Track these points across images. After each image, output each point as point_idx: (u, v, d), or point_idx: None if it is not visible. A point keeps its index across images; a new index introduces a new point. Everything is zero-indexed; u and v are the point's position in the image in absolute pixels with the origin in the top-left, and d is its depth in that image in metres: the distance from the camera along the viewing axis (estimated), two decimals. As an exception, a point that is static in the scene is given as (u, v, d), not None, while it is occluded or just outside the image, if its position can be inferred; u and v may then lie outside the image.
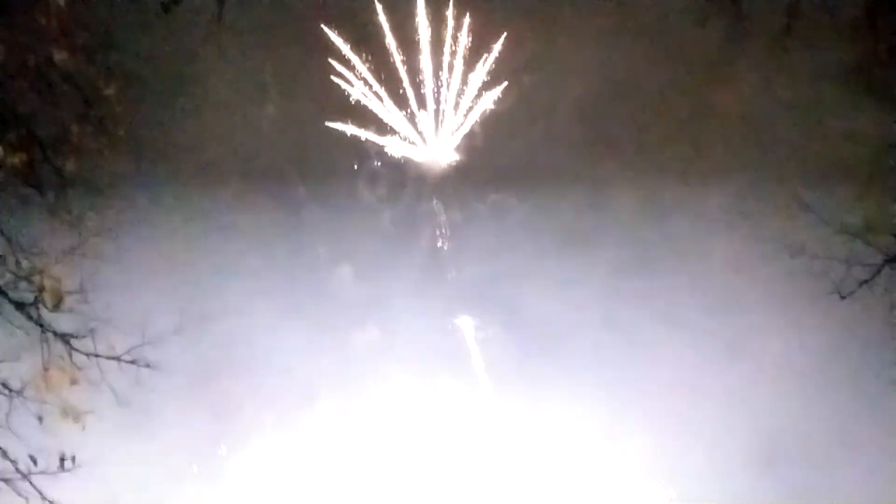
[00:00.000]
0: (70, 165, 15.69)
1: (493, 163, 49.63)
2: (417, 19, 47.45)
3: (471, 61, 48.30)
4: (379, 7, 47.01)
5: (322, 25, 46.62)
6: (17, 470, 15.58)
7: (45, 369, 15.64)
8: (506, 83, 48.30)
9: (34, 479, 15.60)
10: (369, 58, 47.42)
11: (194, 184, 44.89)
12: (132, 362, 16.09)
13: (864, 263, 17.82)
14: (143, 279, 37.48)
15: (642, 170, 47.59)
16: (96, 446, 16.10)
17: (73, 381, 15.77)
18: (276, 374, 47.17)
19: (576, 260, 48.12)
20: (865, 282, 17.87)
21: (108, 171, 16.42)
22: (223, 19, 17.44)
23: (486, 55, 48.00)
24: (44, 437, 15.62)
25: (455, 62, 48.36)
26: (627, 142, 48.31)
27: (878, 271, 17.79)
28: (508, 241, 49.36)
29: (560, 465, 47.98)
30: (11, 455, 15.65)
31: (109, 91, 15.67)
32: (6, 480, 15.68)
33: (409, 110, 48.68)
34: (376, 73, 47.83)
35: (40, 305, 15.40)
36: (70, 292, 15.46)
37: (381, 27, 47.17)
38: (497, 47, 47.80)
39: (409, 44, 47.59)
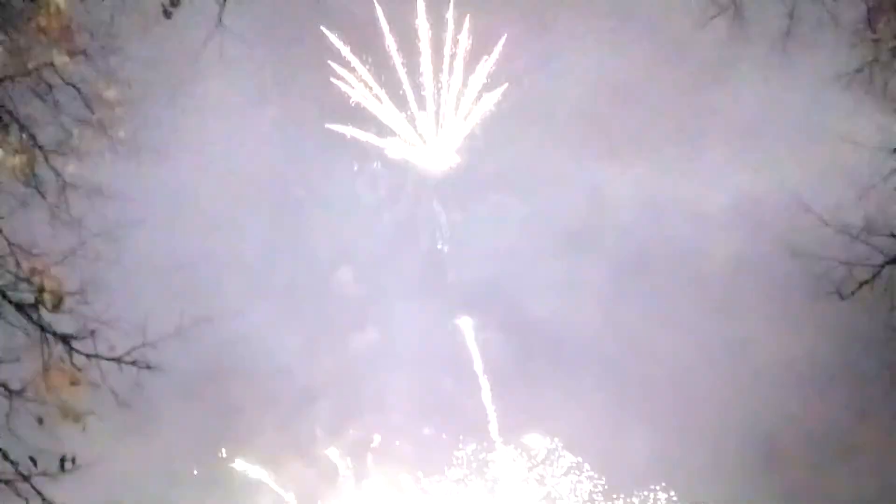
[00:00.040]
0: (70, 167, 15.69)
1: (493, 164, 49.80)
2: (417, 21, 47.66)
3: (471, 63, 48.53)
4: (379, 9, 47.22)
5: (322, 28, 46.78)
6: (18, 471, 15.56)
7: (46, 370, 15.63)
8: (506, 85, 48.52)
9: (34, 480, 15.59)
10: (369, 60, 47.62)
11: (195, 185, 45.01)
12: (133, 363, 16.07)
13: (865, 264, 17.83)
14: (144, 280, 37.63)
15: (642, 171, 47.71)
16: (97, 448, 16.11)
17: (74, 383, 15.75)
18: (277, 375, 47.30)
19: (576, 261, 48.25)
20: (866, 283, 17.87)
21: (108, 173, 16.42)
22: (223, 22, 17.42)
23: (486, 57, 48.19)
24: (44, 439, 15.61)
25: (455, 64, 48.56)
26: (627, 144, 48.46)
27: (879, 272, 17.79)
28: (508, 242, 49.51)
29: (560, 466, 47.96)
30: (11, 456, 15.64)
31: (110, 93, 15.67)
32: (6, 482, 15.66)
33: (409, 112, 48.89)
34: (376, 75, 48.03)
35: (40, 306, 15.37)
36: (70, 293, 15.45)
37: (381, 29, 47.36)
38: (497, 49, 47.98)
39: (409, 46, 47.78)
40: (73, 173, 15.68)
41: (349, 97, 47.53)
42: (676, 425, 45.22)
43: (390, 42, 47.19)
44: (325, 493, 47.82)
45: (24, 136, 15.34)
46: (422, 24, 47.43)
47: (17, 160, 15.21)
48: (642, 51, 45.72)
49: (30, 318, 15.50)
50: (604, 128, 48.03)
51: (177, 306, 16.88)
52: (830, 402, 41.84)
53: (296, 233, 48.99)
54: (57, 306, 15.33)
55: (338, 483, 47.86)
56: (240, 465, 46.60)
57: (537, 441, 47.95)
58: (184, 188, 43.96)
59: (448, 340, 48.49)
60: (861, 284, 17.91)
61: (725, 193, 45.73)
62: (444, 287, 49.59)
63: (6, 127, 15.30)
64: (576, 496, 47.79)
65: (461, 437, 47.88)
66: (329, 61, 46.86)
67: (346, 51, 47.11)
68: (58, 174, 15.61)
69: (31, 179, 15.47)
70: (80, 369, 15.82)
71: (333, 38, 46.86)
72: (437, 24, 47.36)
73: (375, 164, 49.17)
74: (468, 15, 46.99)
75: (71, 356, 15.81)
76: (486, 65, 47.79)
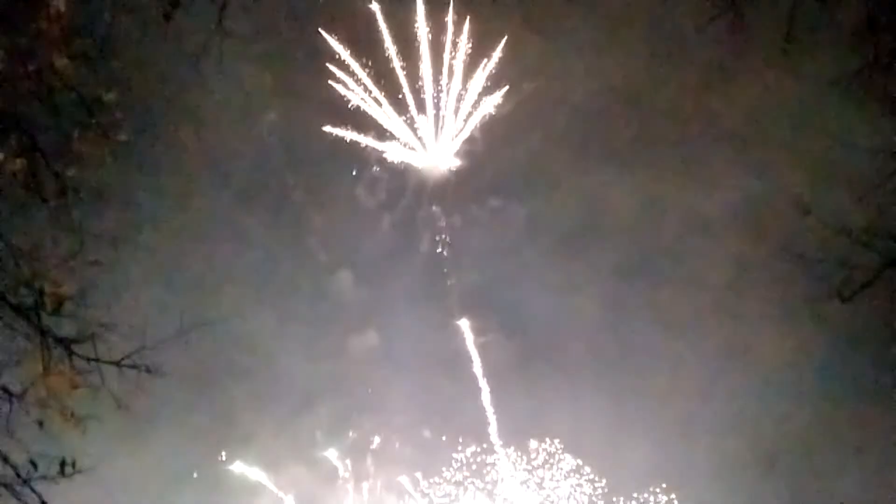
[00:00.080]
0: (71, 171, 15.68)
1: (492, 168, 49.85)
2: (417, 24, 47.67)
3: (470, 67, 48.54)
4: (378, 13, 47.21)
5: (322, 31, 46.77)
6: (18, 475, 15.56)
7: (46, 374, 15.62)
8: (505, 88, 48.51)
9: (34, 484, 15.58)
10: (369, 63, 47.63)
11: (195, 190, 45.07)
12: (133, 367, 16.06)
13: (865, 266, 17.82)
14: (144, 284, 37.64)
15: (642, 174, 47.74)
16: (97, 451, 16.10)
17: (74, 386, 15.74)
18: (277, 378, 47.31)
19: (576, 264, 48.29)
20: (866, 285, 17.85)
21: (108, 177, 16.42)
22: (224, 25, 17.41)
23: (485, 60, 48.21)
24: (44, 442, 15.61)
25: (455, 67, 48.56)
26: (627, 147, 48.48)
27: (879, 274, 17.77)
28: (508, 245, 49.57)
29: (560, 469, 47.92)
30: (12, 460, 15.64)
31: (110, 97, 15.66)
32: (6, 486, 15.66)
33: (408, 115, 48.89)
34: (376, 78, 48.03)
35: (41, 310, 15.37)
36: (70, 297, 15.44)
37: (380, 33, 47.36)
38: (497, 53, 48.01)
39: (408, 49, 47.79)
40: (74, 177, 15.66)
41: (348, 100, 47.55)
42: (677, 428, 45.25)
43: (390, 45, 47.22)
44: (325, 495, 47.82)
45: (24, 139, 15.33)
46: (421, 26, 47.47)
47: (18, 164, 15.21)
48: (642, 54, 45.79)
49: (30, 321, 15.49)
50: (604, 131, 48.11)
51: (177, 309, 16.90)
52: (831, 404, 41.84)
53: (295, 236, 49.05)
54: (57, 310, 15.33)
55: (337, 485, 47.88)
56: (239, 467, 46.61)
57: (537, 444, 47.94)
58: (183, 192, 44.01)
59: (447, 343, 48.53)
60: (862, 287, 17.89)
61: (725, 196, 45.79)
62: (443, 290, 49.62)
63: (6, 130, 15.29)
64: (576, 499, 47.78)
65: (461, 440, 47.90)
66: (328, 64, 46.88)
67: (345, 54, 47.14)
68: (58, 178, 15.60)
69: (31, 183, 15.46)
70: (80, 373, 15.82)
71: (332, 41, 46.88)
72: (437, 26, 47.40)
73: (375, 168, 49.19)
74: (468, 18, 47.03)
75: (71, 360, 15.80)
76: (486, 68, 47.82)
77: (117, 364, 15.96)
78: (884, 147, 17.87)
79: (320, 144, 47.76)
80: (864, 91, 17.06)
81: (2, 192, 15.49)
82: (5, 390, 15.63)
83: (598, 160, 47.79)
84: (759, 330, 44.31)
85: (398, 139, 48.72)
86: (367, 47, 47.05)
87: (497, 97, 48.12)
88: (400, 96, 48.07)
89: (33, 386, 15.61)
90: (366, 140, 48.21)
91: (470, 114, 48.57)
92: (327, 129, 47.49)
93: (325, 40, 46.82)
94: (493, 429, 47.77)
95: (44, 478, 15.46)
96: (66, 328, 15.68)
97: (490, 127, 48.58)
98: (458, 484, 47.77)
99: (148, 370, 16.15)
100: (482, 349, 48.32)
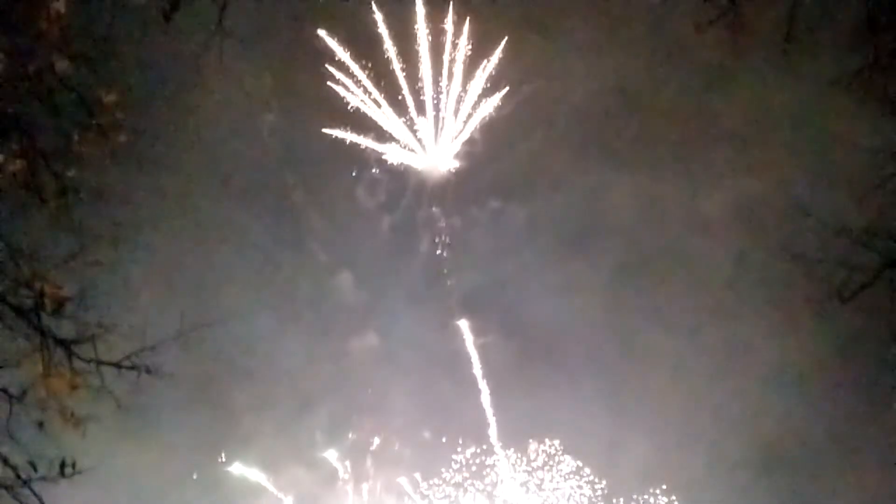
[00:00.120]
0: (71, 171, 15.67)
1: (492, 169, 49.80)
2: (417, 26, 47.63)
3: (470, 68, 48.51)
4: (378, 14, 47.21)
5: (322, 32, 46.75)
6: (18, 476, 15.56)
7: (46, 375, 15.63)
8: (505, 90, 48.50)
9: (34, 485, 15.58)
10: (369, 65, 47.59)
11: (195, 191, 45.04)
12: (133, 368, 16.07)
13: (865, 267, 17.83)
14: (144, 285, 37.57)
15: (642, 174, 47.72)
16: (97, 452, 16.11)
17: (74, 387, 15.75)
18: (276, 379, 47.28)
19: (575, 266, 48.26)
20: (866, 285, 17.85)
21: (108, 178, 16.42)
22: (224, 26, 17.42)
23: (485, 62, 48.20)
24: (44, 443, 15.61)
25: (454, 69, 48.54)
26: (627, 148, 48.47)
27: (879, 275, 17.78)
28: (508, 247, 49.53)
29: (560, 470, 47.89)
30: (12, 461, 15.64)
31: (110, 98, 15.65)
32: (6, 487, 15.66)
33: (408, 117, 48.86)
34: (375, 79, 48.00)
35: (41, 311, 15.37)
36: (70, 298, 15.45)
37: (380, 34, 47.34)
38: (496, 54, 47.99)
39: (408, 50, 47.76)
40: (74, 178, 15.66)
41: (348, 102, 47.53)
42: (677, 429, 45.23)
43: (389, 46, 47.20)
44: (325, 496, 47.80)
45: (24, 140, 15.33)
46: (421, 28, 47.44)
47: (18, 165, 15.22)
48: (642, 55, 45.78)
49: (30, 322, 15.49)
50: (604, 131, 48.10)
51: (177, 311, 16.90)
52: (831, 405, 41.84)
53: (295, 237, 49.03)
54: (57, 311, 15.33)
55: (337, 486, 47.86)
56: (239, 468, 46.58)
57: (537, 445, 47.93)
58: (183, 193, 43.98)
59: (447, 344, 48.51)
60: (861, 287, 17.90)
61: (725, 197, 45.80)
62: (443, 291, 49.59)
63: (6, 131, 15.29)
64: (576, 501, 47.76)
65: (460, 441, 47.89)
66: (328, 66, 46.87)
67: (345, 55, 47.12)
68: (58, 178, 15.59)
69: (31, 184, 15.46)
70: (79, 374, 15.82)
71: (332, 42, 46.88)
72: (437, 28, 47.37)
73: (374, 169, 49.18)
74: (468, 19, 47.01)
75: (71, 361, 15.80)
76: (486, 69, 47.80)
77: (117, 365, 15.97)
78: (884, 147, 17.88)
79: (320, 145, 47.77)
80: (864, 91, 17.06)
81: (2, 193, 15.49)
82: (5, 391, 15.63)
83: (598, 160, 47.81)
84: (759, 330, 44.29)
85: (398, 140, 48.73)
86: (366, 49, 47.05)
87: (497, 98, 48.11)
88: (400, 97, 48.08)
89: (33, 387, 15.62)
90: (365, 141, 48.22)
91: (470, 115, 48.58)
92: (327, 130, 47.48)
93: (324, 41, 46.82)
94: (492, 430, 47.78)
95: (44, 479, 15.47)
96: (66, 329, 15.69)
97: (490, 128, 48.58)
98: (457, 485, 47.77)
99: (148, 371, 16.16)
100: (482, 350, 48.34)
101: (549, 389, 46.88)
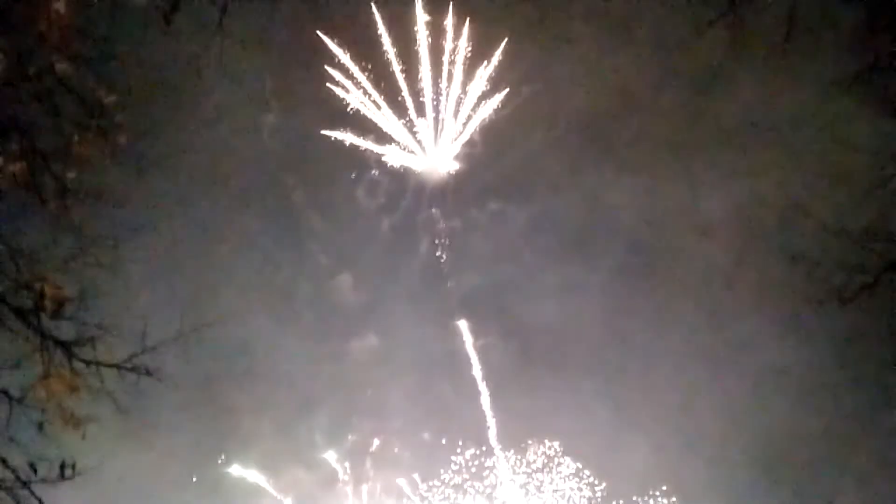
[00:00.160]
0: (71, 173, 15.68)
1: (492, 171, 49.77)
2: (416, 28, 47.60)
3: (470, 70, 48.47)
4: (378, 16, 47.18)
5: (321, 34, 46.74)
6: (17, 478, 15.55)
7: (46, 377, 15.63)
8: (505, 92, 48.47)
9: (34, 486, 15.57)
10: (368, 66, 47.55)
11: (194, 192, 45.05)
12: (132, 370, 16.08)
13: (865, 269, 17.83)
14: (144, 287, 37.54)
15: (641, 178, 47.70)
16: (96, 454, 16.10)
17: (74, 389, 15.75)
18: (276, 381, 47.24)
19: (575, 267, 48.23)
20: (866, 287, 17.86)
21: (108, 179, 16.42)
22: (223, 28, 17.44)
23: (485, 64, 48.16)
24: (44, 445, 15.61)
25: (454, 70, 48.49)
26: (627, 150, 48.45)
27: (879, 276, 17.78)
28: (508, 248, 49.51)
29: (560, 472, 47.88)
30: (11, 463, 15.63)
31: (110, 100, 15.67)
32: (6, 489, 15.65)
33: (408, 118, 48.82)
34: (375, 81, 47.96)
35: (41, 313, 15.37)
36: (70, 299, 15.45)
37: (380, 36, 47.32)
38: (496, 56, 47.96)
39: (408, 52, 47.73)
40: (74, 179, 15.67)
41: (347, 103, 47.51)
42: (677, 430, 45.18)
43: (389, 48, 47.18)
44: (324, 497, 47.74)
45: (24, 141, 15.33)
46: (420, 29, 47.39)
47: (18, 166, 15.22)
48: (642, 56, 45.77)
49: (30, 324, 15.50)
50: (603, 132, 48.08)
51: (176, 312, 16.89)
52: (831, 407, 41.82)
53: (295, 239, 48.99)
54: (57, 312, 15.33)
55: (336, 488, 47.80)
56: (238, 470, 46.52)
57: (536, 446, 47.89)
58: (183, 194, 43.98)
59: (447, 345, 48.46)
60: (861, 289, 17.91)
61: (725, 198, 45.74)
62: (442, 293, 49.56)
63: (6, 133, 15.29)
64: (575, 502, 47.71)
65: (460, 443, 47.82)
66: (327, 67, 46.84)
67: (344, 57, 47.09)
68: (58, 180, 15.59)
69: (31, 185, 15.46)
70: (79, 376, 15.82)
71: (332, 43, 46.85)
72: (436, 29, 47.33)
73: (374, 171, 49.14)
74: (467, 20, 46.98)
75: (71, 362, 15.81)
76: (486, 71, 47.77)
77: (117, 367, 15.98)
78: (884, 148, 17.89)
79: (320, 147, 47.74)
80: (863, 92, 17.07)
81: (2, 194, 15.49)
82: (5, 393, 15.63)
83: (598, 161, 47.79)
84: (759, 332, 44.26)
85: (397, 142, 48.69)
86: (366, 50, 47.01)
87: (497, 100, 48.09)
88: (399, 99, 48.04)
89: (33, 388, 15.62)
90: (365, 143, 48.18)
91: (469, 117, 48.53)
92: (326, 132, 47.47)
93: (324, 43, 46.79)
94: (492, 431, 47.74)
95: (44, 481, 15.46)
96: (66, 330, 15.70)
97: (490, 130, 48.55)
98: (457, 487, 47.70)
99: (147, 373, 16.17)
100: (481, 351, 48.29)
101: (549, 391, 46.85)
